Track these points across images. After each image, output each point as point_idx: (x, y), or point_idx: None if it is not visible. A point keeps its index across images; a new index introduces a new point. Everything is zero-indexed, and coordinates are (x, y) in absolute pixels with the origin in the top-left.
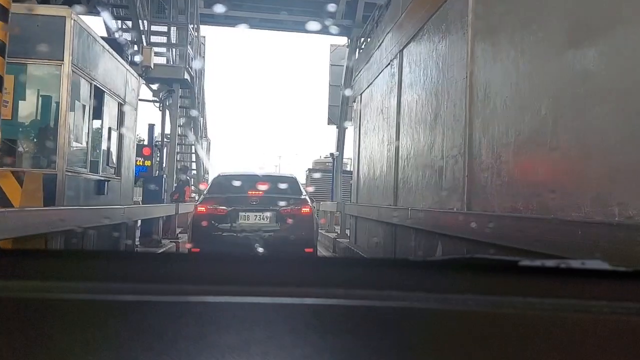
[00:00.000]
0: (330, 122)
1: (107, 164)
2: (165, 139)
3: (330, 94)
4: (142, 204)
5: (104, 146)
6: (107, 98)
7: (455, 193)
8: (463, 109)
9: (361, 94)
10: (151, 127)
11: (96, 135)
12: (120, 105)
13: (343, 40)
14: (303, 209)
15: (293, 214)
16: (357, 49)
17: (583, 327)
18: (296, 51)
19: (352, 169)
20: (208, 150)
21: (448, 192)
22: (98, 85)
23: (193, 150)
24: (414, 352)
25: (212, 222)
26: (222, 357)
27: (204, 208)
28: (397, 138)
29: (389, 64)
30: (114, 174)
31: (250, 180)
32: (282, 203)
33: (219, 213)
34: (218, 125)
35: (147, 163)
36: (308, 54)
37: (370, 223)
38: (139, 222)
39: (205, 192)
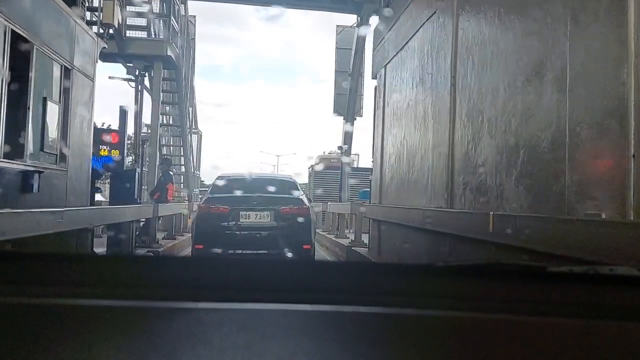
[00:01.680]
0: (336, 112)
1: (42, 149)
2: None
3: (337, 81)
4: (110, 204)
5: (34, 123)
6: (38, 55)
7: (601, 188)
8: (623, 37)
9: (385, 66)
10: (123, 111)
11: (18, 105)
12: (65, 70)
13: (351, 20)
14: (300, 208)
15: (291, 212)
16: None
17: (613, 335)
18: (297, 34)
19: (372, 163)
20: (199, 144)
21: (578, 186)
22: (19, 32)
23: (180, 143)
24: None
25: (215, 220)
26: None
27: (207, 207)
28: (452, 112)
29: (432, 14)
30: (55, 163)
31: (251, 181)
32: (280, 202)
33: (222, 212)
34: (211, 118)
35: (115, 153)
36: (311, 38)
37: (403, 230)
38: (99, 229)
39: (208, 192)
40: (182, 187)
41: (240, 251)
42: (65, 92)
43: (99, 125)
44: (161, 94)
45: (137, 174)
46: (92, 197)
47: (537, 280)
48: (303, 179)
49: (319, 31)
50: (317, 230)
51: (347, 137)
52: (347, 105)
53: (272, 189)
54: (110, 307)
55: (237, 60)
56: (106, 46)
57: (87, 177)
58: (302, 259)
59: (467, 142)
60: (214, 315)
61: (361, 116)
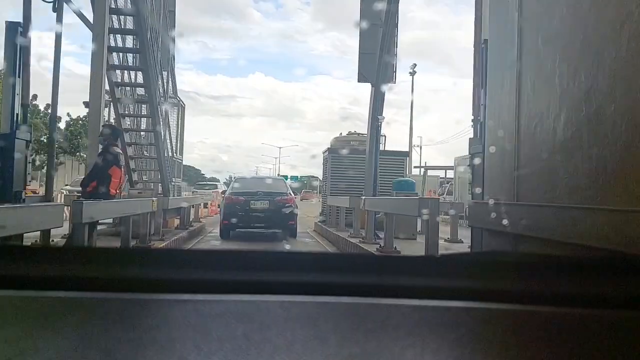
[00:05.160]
0: (362, 78)
1: None
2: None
3: (362, 38)
4: None
5: None
6: None
7: None
8: None
9: None
10: (10, 27)
11: None
12: None
13: None
14: (288, 199)
15: (282, 201)
16: None
17: (611, 323)
18: (297, 25)
19: (488, 127)
20: (181, 119)
21: None
22: None
23: (150, 113)
24: (455, 352)
25: (236, 206)
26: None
27: (231, 198)
28: None
29: None
30: None
31: (256, 181)
32: (275, 195)
33: (239, 201)
34: (211, 111)
35: None
36: (310, 28)
37: None
38: None
39: (229, 189)
40: (153, 175)
41: (251, 224)
42: None
43: None
44: (109, 37)
45: (22, 143)
46: None
47: (533, 270)
48: (302, 171)
49: (319, 22)
50: (338, 234)
51: (377, 107)
52: (377, 66)
53: (270, 185)
54: (109, 300)
55: (236, 52)
56: None
57: None
58: (301, 250)
59: None
60: (213, 307)
61: (394, 82)
